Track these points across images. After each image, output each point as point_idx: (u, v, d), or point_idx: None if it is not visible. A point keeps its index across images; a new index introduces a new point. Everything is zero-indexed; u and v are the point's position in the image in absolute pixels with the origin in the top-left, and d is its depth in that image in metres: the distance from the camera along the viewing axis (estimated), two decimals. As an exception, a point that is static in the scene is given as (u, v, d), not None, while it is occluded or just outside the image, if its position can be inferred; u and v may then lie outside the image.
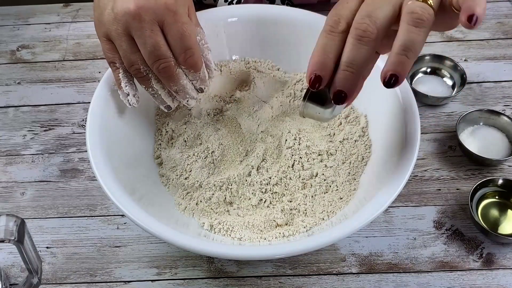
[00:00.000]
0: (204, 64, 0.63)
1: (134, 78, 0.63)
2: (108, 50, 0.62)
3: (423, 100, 0.77)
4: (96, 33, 0.63)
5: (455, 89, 0.78)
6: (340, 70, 0.49)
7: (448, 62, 0.79)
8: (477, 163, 0.72)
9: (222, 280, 0.64)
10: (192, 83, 0.63)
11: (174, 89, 0.62)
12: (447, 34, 0.85)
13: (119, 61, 0.62)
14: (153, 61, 0.59)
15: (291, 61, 0.74)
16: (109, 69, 0.66)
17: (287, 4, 0.87)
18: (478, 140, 0.72)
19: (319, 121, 0.60)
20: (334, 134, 0.70)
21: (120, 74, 0.62)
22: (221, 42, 0.73)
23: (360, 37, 0.48)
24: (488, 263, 0.64)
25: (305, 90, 0.59)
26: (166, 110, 0.66)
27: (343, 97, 0.50)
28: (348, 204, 0.63)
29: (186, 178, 0.66)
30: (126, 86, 0.63)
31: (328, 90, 0.51)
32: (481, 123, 0.74)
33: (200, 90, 0.65)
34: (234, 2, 0.88)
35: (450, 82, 0.79)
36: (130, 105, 0.64)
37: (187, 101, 0.64)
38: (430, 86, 0.79)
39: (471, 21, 0.47)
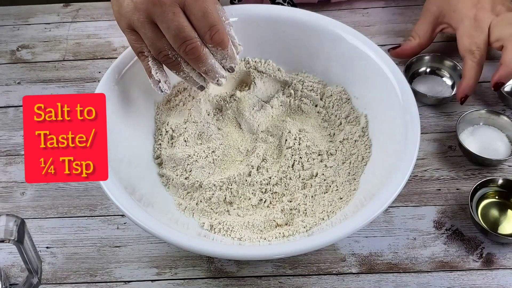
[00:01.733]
0: (230, 41, 0.63)
1: (163, 65, 0.63)
2: (134, 41, 0.62)
3: (423, 100, 0.76)
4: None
5: (455, 89, 0.78)
6: None
7: (448, 62, 0.79)
8: (477, 163, 0.71)
9: (222, 280, 0.64)
10: (221, 63, 0.63)
11: (203, 70, 0.62)
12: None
13: (147, 50, 0.62)
14: (179, 44, 0.59)
15: (291, 61, 0.74)
16: (108, 70, 0.66)
17: (288, 4, 0.87)
18: (478, 140, 0.72)
19: None
20: (334, 134, 0.70)
21: (149, 62, 0.62)
22: (221, 42, 0.73)
23: None
24: (488, 263, 0.64)
25: None
26: (200, 91, 0.67)
27: None
28: (348, 204, 0.63)
29: (186, 178, 0.66)
30: (156, 73, 0.62)
31: None
32: (481, 123, 0.74)
33: (231, 69, 0.64)
34: (236, 1, 0.88)
35: (450, 82, 0.79)
36: (162, 91, 0.63)
37: (217, 80, 0.63)
38: (430, 86, 0.79)
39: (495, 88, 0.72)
